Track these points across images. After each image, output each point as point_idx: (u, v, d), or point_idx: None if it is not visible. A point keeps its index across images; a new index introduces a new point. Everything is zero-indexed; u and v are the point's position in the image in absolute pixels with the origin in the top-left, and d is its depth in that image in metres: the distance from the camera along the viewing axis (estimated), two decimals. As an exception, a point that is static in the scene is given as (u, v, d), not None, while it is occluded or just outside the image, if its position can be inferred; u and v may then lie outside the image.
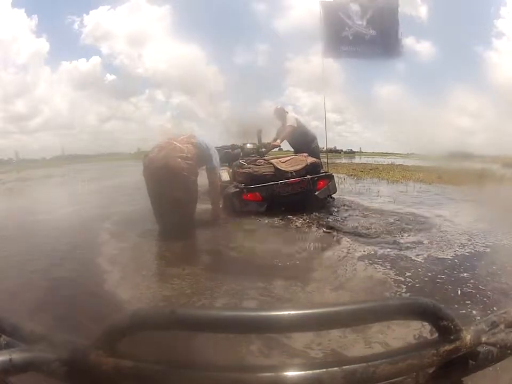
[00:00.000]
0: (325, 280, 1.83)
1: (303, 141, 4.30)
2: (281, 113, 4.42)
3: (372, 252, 2.25)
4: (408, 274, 1.84)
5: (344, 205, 3.82)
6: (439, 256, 2.13)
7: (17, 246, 2.61)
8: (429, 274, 1.85)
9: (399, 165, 9.55)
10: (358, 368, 0.29)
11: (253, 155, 4.22)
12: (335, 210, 3.61)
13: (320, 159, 4.27)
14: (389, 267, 1.97)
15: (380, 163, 10.10)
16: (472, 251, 2.26)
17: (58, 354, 0.31)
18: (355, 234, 2.68)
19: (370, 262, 2.07)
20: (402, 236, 2.59)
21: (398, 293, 1.65)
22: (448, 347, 0.31)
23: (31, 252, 2.42)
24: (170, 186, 2.57)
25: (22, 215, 3.80)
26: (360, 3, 4.52)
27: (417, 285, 1.72)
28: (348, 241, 2.49)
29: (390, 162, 10.24)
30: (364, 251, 2.27)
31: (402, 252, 2.22)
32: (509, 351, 0.33)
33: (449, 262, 2.06)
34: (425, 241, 2.44)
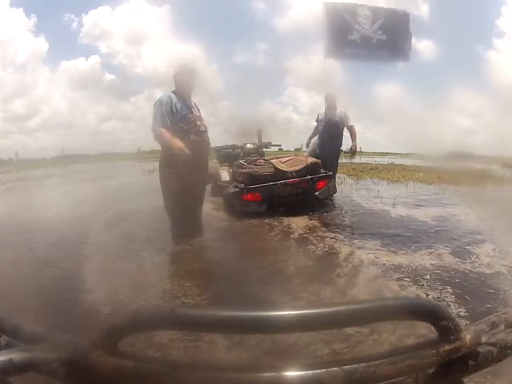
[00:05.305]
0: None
1: (339, 141, 4.29)
2: (334, 102, 4.25)
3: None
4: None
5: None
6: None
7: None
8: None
9: (399, 164, 9.55)
10: (358, 368, 0.29)
11: (253, 155, 4.23)
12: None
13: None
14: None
15: (380, 163, 10.09)
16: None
17: (58, 354, 0.31)
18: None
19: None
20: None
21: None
22: (448, 347, 0.31)
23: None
24: None
25: (21, 215, 3.81)
26: (366, 5, 4.50)
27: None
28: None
29: (390, 162, 10.23)
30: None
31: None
32: (509, 351, 0.33)
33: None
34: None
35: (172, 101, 2.40)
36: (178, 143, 2.32)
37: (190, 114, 2.47)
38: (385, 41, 4.38)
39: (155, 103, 2.42)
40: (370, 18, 4.37)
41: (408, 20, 4.42)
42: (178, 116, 2.40)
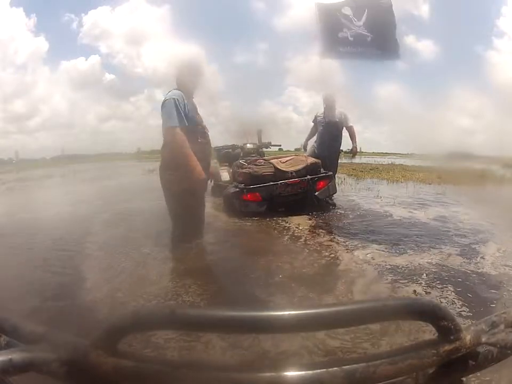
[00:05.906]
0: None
1: (338, 141, 4.29)
2: (332, 103, 4.25)
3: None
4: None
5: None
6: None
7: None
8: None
9: (399, 164, 9.56)
10: (358, 368, 0.29)
11: (253, 155, 4.23)
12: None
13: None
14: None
15: (380, 163, 10.09)
16: None
17: (58, 354, 0.31)
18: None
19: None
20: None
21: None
22: (448, 347, 0.31)
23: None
24: None
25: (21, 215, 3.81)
26: (357, 4, 4.50)
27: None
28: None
29: (390, 162, 10.24)
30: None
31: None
32: (509, 351, 0.33)
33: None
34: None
35: (183, 100, 2.19)
36: (199, 168, 2.17)
37: (197, 116, 2.36)
38: (375, 37, 4.38)
39: (166, 100, 2.18)
40: (360, 14, 4.37)
41: (392, 12, 4.41)
42: (189, 116, 2.23)
